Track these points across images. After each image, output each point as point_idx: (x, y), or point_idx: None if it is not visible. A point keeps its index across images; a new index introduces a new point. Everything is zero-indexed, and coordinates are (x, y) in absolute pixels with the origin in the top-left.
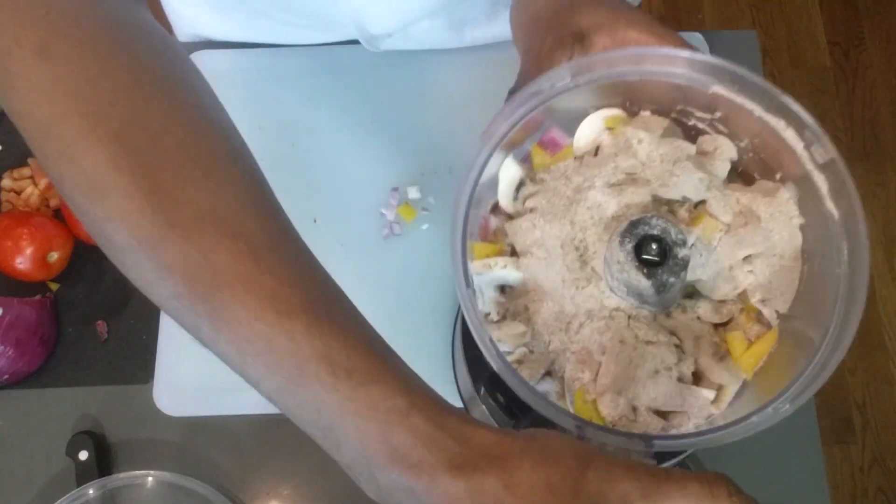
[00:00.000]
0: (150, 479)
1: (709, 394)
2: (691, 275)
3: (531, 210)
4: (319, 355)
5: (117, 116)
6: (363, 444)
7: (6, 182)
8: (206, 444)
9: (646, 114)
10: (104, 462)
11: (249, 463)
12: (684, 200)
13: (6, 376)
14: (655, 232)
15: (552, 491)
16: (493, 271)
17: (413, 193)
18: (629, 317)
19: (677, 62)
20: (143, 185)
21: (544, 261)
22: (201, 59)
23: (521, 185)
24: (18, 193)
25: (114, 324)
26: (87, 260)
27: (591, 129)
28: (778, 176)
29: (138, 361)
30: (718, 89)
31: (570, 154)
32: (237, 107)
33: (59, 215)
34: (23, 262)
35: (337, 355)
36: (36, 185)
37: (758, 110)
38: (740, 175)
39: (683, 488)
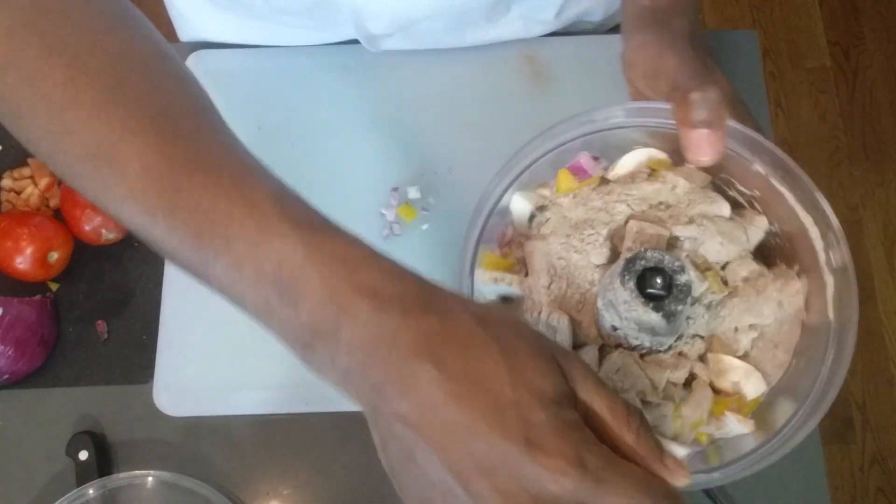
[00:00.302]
0: (150, 479)
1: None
2: (691, 328)
3: (543, 237)
4: (281, 213)
5: (75, 44)
6: (330, 289)
7: (6, 182)
8: (206, 444)
9: (690, 166)
10: (104, 462)
11: (249, 463)
12: (684, 240)
13: (6, 376)
14: (652, 264)
15: (519, 334)
16: (498, 286)
17: (413, 193)
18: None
19: (730, 133)
20: (99, 96)
21: (540, 285)
22: (202, 59)
23: (532, 216)
24: (18, 193)
25: (114, 324)
26: (87, 260)
27: (632, 163)
28: (796, 268)
29: (138, 361)
30: (760, 169)
31: (594, 182)
32: (237, 106)
33: (59, 215)
34: (23, 262)
35: (298, 214)
36: (36, 185)
37: (791, 199)
38: (764, 256)
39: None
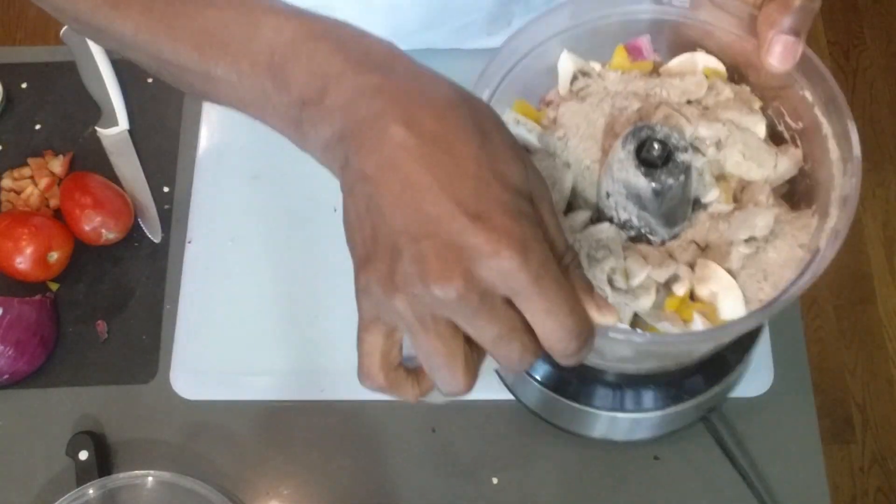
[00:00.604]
0: (150, 479)
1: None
2: (689, 233)
3: (580, 99)
4: (271, 10)
5: None
6: (317, 62)
7: (6, 182)
8: (206, 444)
9: (746, 88)
10: (104, 462)
11: (249, 463)
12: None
13: (6, 376)
14: (659, 136)
15: (498, 125)
16: (518, 129)
17: None
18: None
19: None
20: None
21: (556, 137)
22: None
23: (575, 78)
24: (18, 193)
25: (114, 324)
26: (87, 260)
27: (687, 63)
28: (813, 208)
29: (138, 361)
30: (809, 96)
31: (646, 68)
32: None
33: (59, 215)
34: (23, 262)
35: (289, 10)
36: (36, 185)
37: (828, 131)
38: (785, 196)
39: None
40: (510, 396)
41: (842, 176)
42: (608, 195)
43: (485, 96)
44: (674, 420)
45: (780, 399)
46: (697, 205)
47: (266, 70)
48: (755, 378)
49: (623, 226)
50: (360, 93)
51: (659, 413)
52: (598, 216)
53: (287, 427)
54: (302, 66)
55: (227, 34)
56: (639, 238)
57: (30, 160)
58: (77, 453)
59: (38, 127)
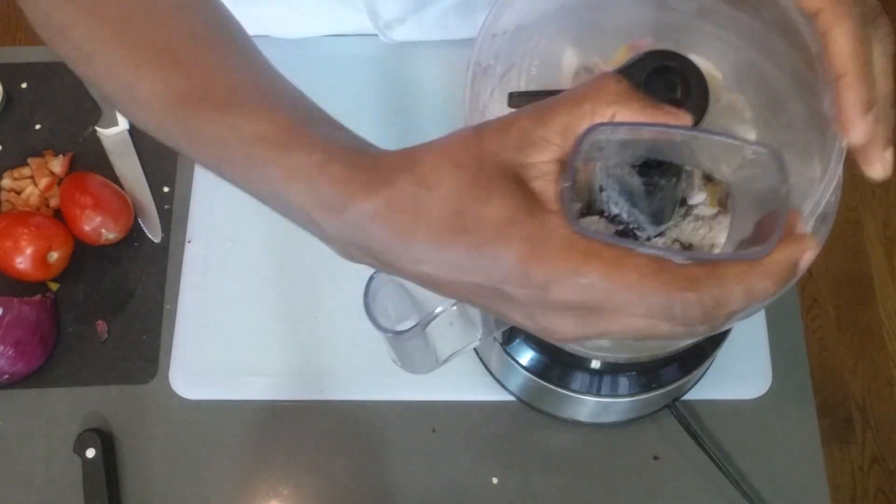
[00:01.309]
0: None
1: None
2: (674, 233)
3: None
4: (257, 137)
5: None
6: (301, 203)
7: (6, 182)
8: (206, 443)
9: (740, 97)
10: (111, 460)
11: (249, 463)
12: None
13: (6, 376)
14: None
15: (457, 165)
16: None
17: None
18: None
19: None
20: (112, 37)
21: None
22: None
23: (577, 73)
24: (18, 193)
25: (114, 324)
26: (87, 260)
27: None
28: None
29: (138, 361)
30: (827, 111)
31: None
32: None
33: (59, 215)
34: (23, 262)
35: (270, 133)
36: (36, 185)
37: (814, 146)
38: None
39: (575, 103)
40: (509, 397)
41: (819, 195)
42: (601, 189)
43: (488, 88)
44: (644, 406)
45: (779, 399)
46: (684, 205)
47: (270, 197)
48: (753, 381)
49: (612, 220)
50: (354, 233)
51: (630, 399)
52: (588, 209)
53: (287, 427)
54: (293, 205)
55: (229, 154)
56: (626, 233)
57: (30, 160)
58: (84, 451)
59: (38, 127)
